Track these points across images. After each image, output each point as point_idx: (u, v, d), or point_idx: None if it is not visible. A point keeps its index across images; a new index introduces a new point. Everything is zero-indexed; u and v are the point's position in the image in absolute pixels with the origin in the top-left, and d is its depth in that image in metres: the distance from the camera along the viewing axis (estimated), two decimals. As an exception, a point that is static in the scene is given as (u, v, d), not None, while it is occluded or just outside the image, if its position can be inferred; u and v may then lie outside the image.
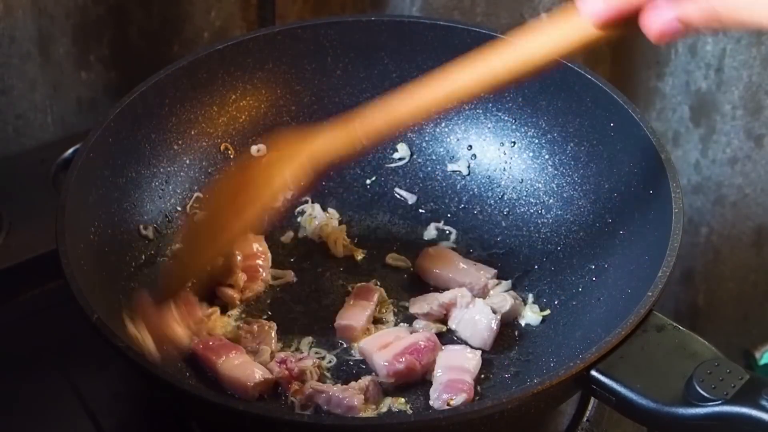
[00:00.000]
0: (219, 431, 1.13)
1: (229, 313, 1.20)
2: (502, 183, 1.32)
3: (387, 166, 1.36)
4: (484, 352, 1.16)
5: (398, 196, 1.34)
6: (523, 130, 1.32)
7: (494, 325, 1.16)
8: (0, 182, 1.38)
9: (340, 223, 1.31)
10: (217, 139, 1.32)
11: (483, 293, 1.21)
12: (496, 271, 1.24)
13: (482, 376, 1.14)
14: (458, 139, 1.35)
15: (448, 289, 1.21)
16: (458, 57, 1.31)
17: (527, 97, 1.31)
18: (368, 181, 1.35)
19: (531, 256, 1.26)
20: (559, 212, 1.27)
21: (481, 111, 1.34)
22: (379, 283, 1.24)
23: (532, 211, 1.29)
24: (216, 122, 1.32)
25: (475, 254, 1.27)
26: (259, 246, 1.24)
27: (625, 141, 1.21)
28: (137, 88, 1.25)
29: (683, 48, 1.56)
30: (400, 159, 1.36)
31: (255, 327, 1.17)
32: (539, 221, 1.28)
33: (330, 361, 1.15)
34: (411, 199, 1.34)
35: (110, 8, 1.48)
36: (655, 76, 1.61)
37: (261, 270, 1.23)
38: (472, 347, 1.16)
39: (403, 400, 1.11)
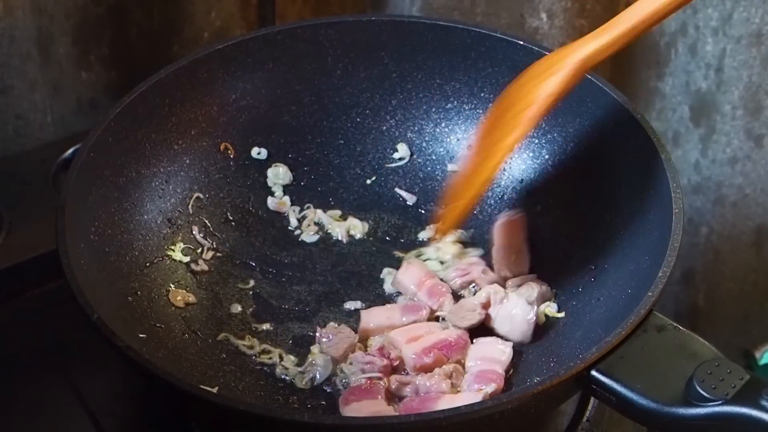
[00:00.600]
0: (219, 431, 1.13)
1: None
2: (502, 183, 1.32)
3: (387, 166, 1.36)
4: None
5: (398, 196, 1.34)
6: (523, 130, 1.32)
7: (531, 316, 1.17)
8: (0, 182, 1.38)
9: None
10: (217, 139, 1.32)
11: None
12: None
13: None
14: (458, 139, 1.35)
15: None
16: (457, 57, 1.32)
17: (527, 97, 1.31)
18: (368, 181, 1.35)
19: (530, 256, 1.26)
20: (559, 212, 1.27)
21: (481, 111, 1.34)
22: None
23: (532, 211, 1.29)
24: (216, 122, 1.32)
25: (475, 254, 1.27)
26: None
27: (625, 141, 1.21)
28: (137, 88, 1.25)
29: (683, 48, 1.56)
30: (400, 159, 1.36)
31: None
32: (539, 221, 1.28)
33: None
34: (411, 199, 1.34)
35: (110, 8, 1.48)
36: (655, 76, 1.61)
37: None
38: (511, 341, 1.17)
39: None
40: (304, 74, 1.35)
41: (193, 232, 1.27)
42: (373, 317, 1.19)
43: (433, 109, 1.36)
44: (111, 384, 1.19)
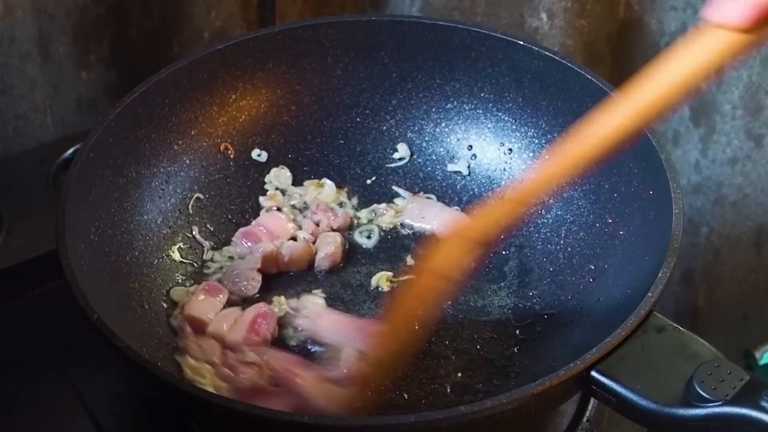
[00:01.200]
0: (219, 431, 1.13)
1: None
2: (502, 183, 1.32)
3: (387, 166, 1.36)
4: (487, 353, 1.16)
5: (398, 197, 1.34)
6: (523, 131, 1.32)
7: None
8: (0, 182, 1.38)
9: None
10: (217, 139, 1.32)
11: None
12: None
13: (484, 377, 1.14)
14: (458, 139, 1.35)
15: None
16: (457, 57, 1.32)
17: (527, 98, 1.31)
18: (368, 181, 1.35)
19: (531, 256, 1.26)
20: (559, 212, 1.27)
21: (481, 111, 1.34)
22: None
23: (531, 211, 1.29)
24: (216, 122, 1.32)
25: (474, 254, 1.27)
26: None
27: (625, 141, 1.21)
28: (137, 88, 1.24)
29: (683, 48, 1.56)
30: (400, 159, 1.36)
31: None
32: (539, 221, 1.28)
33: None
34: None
35: (110, 8, 1.48)
36: (655, 76, 1.60)
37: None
38: None
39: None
40: (304, 74, 1.35)
41: (193, 233, 1.27)
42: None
43: (433, 109, 1.36)
44: (111, 384, 1.19)
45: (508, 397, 0.97)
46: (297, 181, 1.34)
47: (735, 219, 1.65)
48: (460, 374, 1.15)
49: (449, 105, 1.35)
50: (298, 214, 1.31)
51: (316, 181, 1.33)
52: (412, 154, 1.36)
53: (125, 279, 1.17)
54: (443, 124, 1.36)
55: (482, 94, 1.34)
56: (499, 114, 1.33)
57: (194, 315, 1.17)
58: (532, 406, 0.99)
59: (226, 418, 0.98)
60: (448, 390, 1.13)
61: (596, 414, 1.16)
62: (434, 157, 1.36)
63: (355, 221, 1.32)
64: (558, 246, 1.25)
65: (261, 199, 1.32)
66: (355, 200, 1.33)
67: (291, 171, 1.34)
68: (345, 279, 1.25)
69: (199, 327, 1.16)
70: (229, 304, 1.20)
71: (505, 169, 1.33)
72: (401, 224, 1.31)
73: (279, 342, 1.17)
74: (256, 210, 1.31)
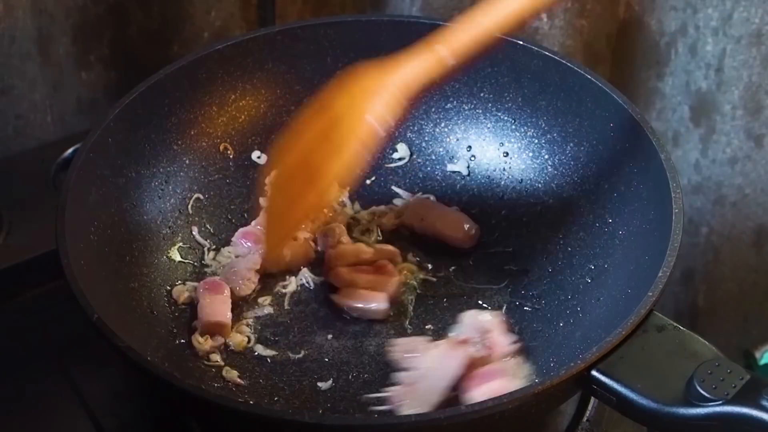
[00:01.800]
0: (219, 431, 1.13)
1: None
2: (502, 183, 1.32)
3: (387, 166, 1.36)
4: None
5: (398, 197, 1.34)
6: (522, 130, 1.32)
7: None
8: (0, 182, 1.38)
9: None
10: (217, 139, 1.32)
11: None
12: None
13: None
14: (458, 139, 1.35)
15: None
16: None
17: (527, 97, 1.31)
18: (368, 181, 1.35)
19: (531, 256, 1.26)
20: (559, 212, 1.27)
21: (480, 111, 1.34)
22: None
23: (532, 211, 1.29)
24: (216, 122, 1.32)
25: (474, 254, 1.27)
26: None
27: (625, 141, 1.21)
28: (137, 88, 1.24)
29: (683, 48, 1.56)
30: (400, 159, 1.36)
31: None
32: (539, 221, 1.28)
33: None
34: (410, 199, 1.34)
35: (110, 8, 1.48)
36: (655, 76, 1.61)
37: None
38: None
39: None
40: (304, 74, 1.34)
41: (193, 233, 1.27)
42: None
43: (433, 109, 1.36)
44: (111, 384, 1.19)
45: (508, 396, 0.97)
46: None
47: (735, 219, 1.65)
48: (460, 374, 1.15)
49: (449, 105, 1.35)
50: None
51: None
52: (411, 154, 1.36)
53: (125, 279, 1.17)
54: (443, 124, 1.36)
55: (482, 94, 1.34)
56: (499, 114, 1.33)
57: (213, 321, 1.17)
58: (532, 405, 0.99)
59: (227, 417, 0.98)
60: (448, 390, 1.13)
61: (596, 414, 1.16)
62: (434, 157, 1.36)
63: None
64: (558, 246, 1.25)
65: (261, 200, 1.32)
66: (357, 203, 1.33)
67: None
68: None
69: (220, 330, 1.17)
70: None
71: (504, 169, 1.32)
72: (402, 225, 1.31)
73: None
74: (256, 210, 1.31)
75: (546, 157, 1.30)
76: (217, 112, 1.32)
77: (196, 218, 1.28)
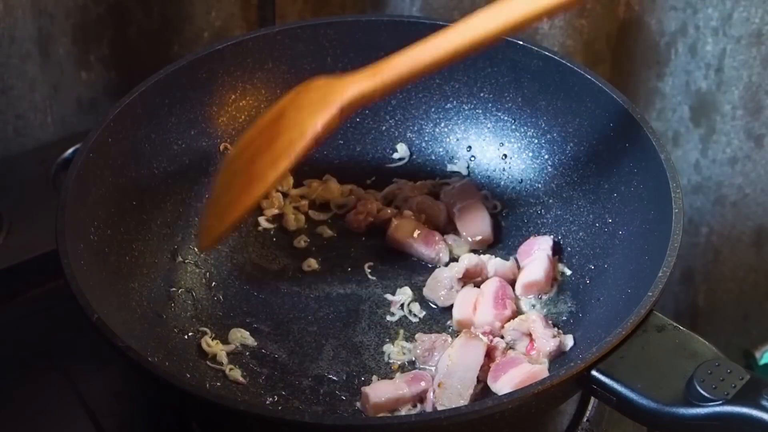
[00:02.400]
0: (219, 431, 1.13)
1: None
2: (502, 183, 1.32)
3: (386, 166, 1.36)
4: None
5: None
6: (522, 130, 1.32)
7: None
8: (0, 182, 1.38)
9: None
10: (217, 139, 1.32)
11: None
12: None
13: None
14: (458, 140, 1.35)
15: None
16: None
17: (527, 98, 1.31)
18: (368, 181, 1.35)
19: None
20: (559, 212, 1.27)
21: (480, 111, 1.34)
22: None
23: (531, 211, 1.29)
24: (216, 122, 1.32)
25: (475, 253, 1.27)
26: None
27: (625, 141, 1.21)
28: (137, 88, 1.24)
29: (683, 48, 1.56)
30: (400, 159, 1.36)
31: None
32: (539, 221, 1.28)
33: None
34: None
35: (110, 8, 1.48)
36: (655, 76, 1.61)
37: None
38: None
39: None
40: (304, 74, 1.34)
41: (193, 233, 1.27)
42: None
43: (433, 109, 1.36)
44: (111, 384, 1.19)
45: (508, 396, 0.97)
46: (297, 182, 1.34)
47: (735, 219, 1.65)
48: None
49: (449, 105, 1.35)
50: (298, 213, 1.31)
51: (317, 180, 1.33)
52: (411, 155, 1.36)
53: (125, 279, 1.17)
54: (442, 124, 1.36)
55: (482, 94, 1.34)
56: (499, 114, 1.33)
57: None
58: (532, 405, 0.99)
59: (227, 418, 0.98)
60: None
61: (596, 414, 1.16)
62: (433, 158, 1.36)
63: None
64: (558, 247, 1.25)
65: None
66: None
67: (290, 171, 1.34)
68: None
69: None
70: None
71: (504, 170, 1.33)
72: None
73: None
74: (256, 210, 1.31)
75: (546, 157, 1.30)
76: (217, 112, 1.32)
77: (197, 218, 1.28)
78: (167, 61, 1.29)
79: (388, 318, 1.21)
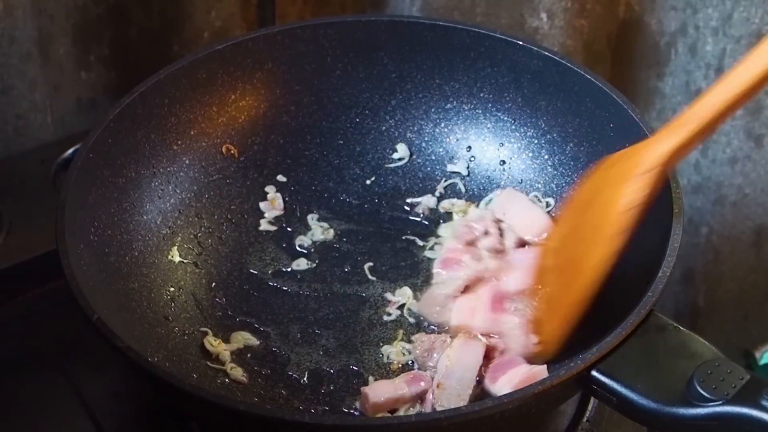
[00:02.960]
0: (219, 431, 1.13)
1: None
2: (502, 183, 1.32)
3: (386, 166, 1.36)
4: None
5: (397, 196, 1.34)
6: (522, 131, 1.32)
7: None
8: (0, 182, 1.38)
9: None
10: (217, 139, 1.32)
11: None
12: None
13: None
14: (457, 140, 1.35)
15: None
16: (457, 57, 1.32)
17: (527, 98, 1.31)
18: (368, 182, 1.35)
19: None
20: (559, 212, 1.27)
21: (480, 111, 1.34)
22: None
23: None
24: (216, 122, 1.32)
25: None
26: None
27: (625, 141, 1.21)
28: (137, 88, 1.24)
29: (683, 48, 1.56)
30: (400, 159, 1.36)
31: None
32: (539, 221, 1.28)
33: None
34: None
35: (110, 8, 1.48)
36: (655, 76, 1.61)
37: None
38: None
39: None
40: (304, 74, 1.35)
41: (193, 233, 1.27)
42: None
43: (433, 110, 1.36)
44: (111, 384, 1.19)
45: (508, 396, 0.97)
46: (295, 181, 1.34)
47: (735, 219, 1.65)
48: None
49: (448, 105, 1.35)
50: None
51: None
52: (411, 155, 1.36)
53: (125, 279, 1.17)
54: (442, 125, 1.36)
55: (481, 94, 1.34)
56: (499, 114, 1.33)
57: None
58: (532, 406, 0.99)
59: (227, 418, 0.98)
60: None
61: (596, 414, 1.16)
62: (433, 158, 1.36)
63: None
64: (558, 246, 1.25)
65: (261, 204, 1.32)
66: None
67: (290, 171, 1.34)
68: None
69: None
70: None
71: (504, 170, 1.32)
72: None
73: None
74: (256, 211, 1.31)
75: (546, 157, 1.30)
76: (217, 113, 1.32)
77: (196, 218, 1.28)
78: (167, 61, 1.29)
79: (388, 318, 1.21)
